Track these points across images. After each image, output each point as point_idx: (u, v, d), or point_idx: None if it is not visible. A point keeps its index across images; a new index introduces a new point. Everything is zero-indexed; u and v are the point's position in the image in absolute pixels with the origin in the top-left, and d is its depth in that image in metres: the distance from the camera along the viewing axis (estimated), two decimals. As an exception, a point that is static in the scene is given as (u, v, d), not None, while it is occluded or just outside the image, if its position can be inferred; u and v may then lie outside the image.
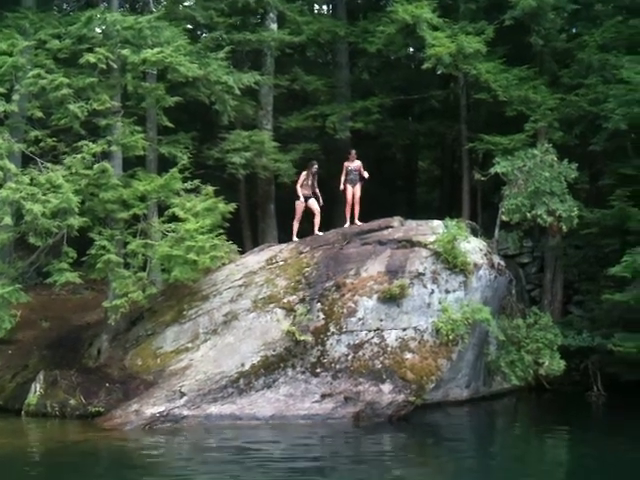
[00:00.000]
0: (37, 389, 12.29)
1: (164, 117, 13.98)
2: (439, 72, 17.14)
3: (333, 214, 16.28)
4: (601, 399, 13.71)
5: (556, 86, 15.96)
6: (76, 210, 12.15)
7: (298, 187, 14.43)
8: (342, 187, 14.55)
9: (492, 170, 14.30)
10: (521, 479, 9.24)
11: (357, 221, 14.23)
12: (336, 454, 10.50)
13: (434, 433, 12.01)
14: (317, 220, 14.35)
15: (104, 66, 13.05)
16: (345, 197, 14.52)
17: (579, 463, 10.22)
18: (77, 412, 11.98)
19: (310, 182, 14.42)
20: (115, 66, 13.23)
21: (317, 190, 14.51)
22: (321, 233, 14.12)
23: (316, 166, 14.56)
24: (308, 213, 14.58)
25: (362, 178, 14.35)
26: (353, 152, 14.58)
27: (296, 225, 14.39)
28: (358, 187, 14.32)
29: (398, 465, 10.08)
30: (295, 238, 14.28)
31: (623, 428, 11.80)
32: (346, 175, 14.46)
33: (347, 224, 14.29)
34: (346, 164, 14.47)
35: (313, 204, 14.43)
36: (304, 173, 14.50)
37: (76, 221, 12.18)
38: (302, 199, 14.32)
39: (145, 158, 14.38)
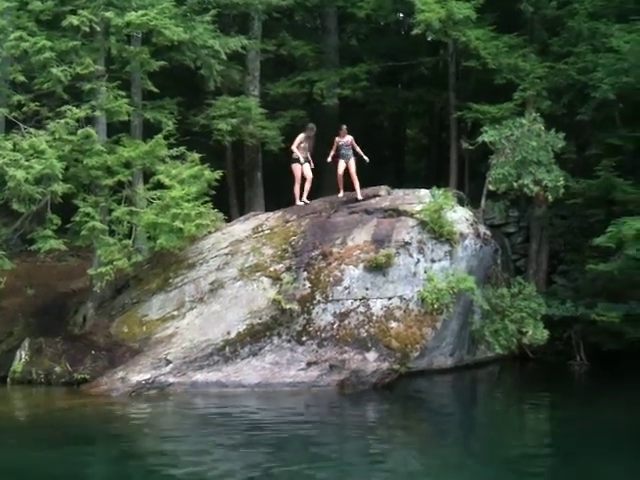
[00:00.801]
0: (22, 356, 12.28)
1: (149, 82, 13.79)
2: (429, 39, 16.98)
3: (321, 183, 16.19)
4: (583, 368, 13.89)
5: (546, 54, 15.83)
6: (60, 176, 12.01)
7: (294, 148, 14.03)
8: (330, 159, 14.05)
9: (480, 139, 14.23)
10: (503, 444, 9.37)
11: (359, 195, 13.65)
12: (321, 421, 10.61)
13: (418, 400, 12.17)
14: (307, 186, 14.05)
15: (87, 29, 12.81)
16: (336, 170, 13.96)
17: (559, 429, 10.38)
18: (63, 379, 12.00)
19: (306, 145, 14.07)
20: (99, 29, 12.97)
21: (309, 155, 14.14)
22: (308, 201, 14.00)
23: (314, 129, 14.21)
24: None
25: (356, 153, 13.93)
26: (344, 127, 14.01)
27: (297, 188, 13.99)
28: (352, 162, 13.79)
29: (382, 432, 10.21)
30: (299, 202, 13.93)
31: (604, 396, 11.99)
32: (337, 150, 13.92)
33: (341, 193, 13.92)
34: (337, 139, 13.99)
35: (307, 169, 14.09)
36: (301, 135, 14.11)
37: (60, 187, 12.05)
38: (302, 159, 13.93)
39: (130, 124, 14.18)
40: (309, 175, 14.10)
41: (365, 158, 13.84)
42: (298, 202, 13.98)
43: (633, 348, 13.74)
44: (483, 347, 13.92)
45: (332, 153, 13.95)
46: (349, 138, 13.93)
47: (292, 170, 14.09)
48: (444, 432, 10.15)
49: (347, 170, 13.85)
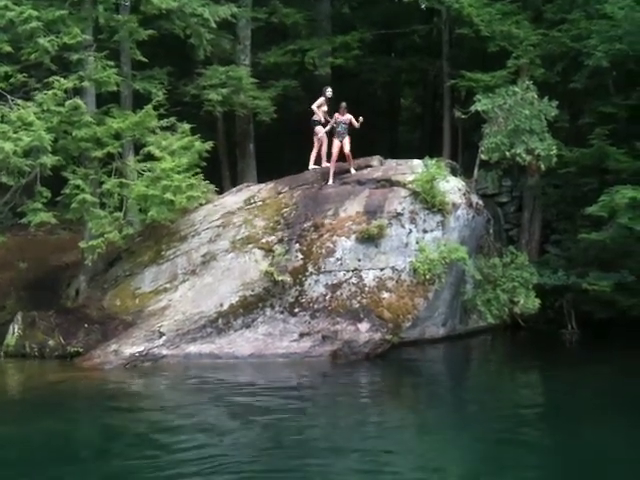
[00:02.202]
0: (15, 330, 12.30)
1: (137, 51, 13.61)
2: (422, 6, 16.77)
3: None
4: (575, 336, 13.98)
5: (539, 21, 15.65)
6: (49, 148, 11.92)
7: (314, 108, 13.73)
8: (318, 129, 13.68)
9: (472, 108, 14.11)
10: (494, 411, 9.46)
11: (353, 170, 13.45)
12: (314, 391, 10.69)
13: (410, 370, 12.24)
14: (324, 150, 13.78)
15: (74, -3, 12.63)
16: (330, 147, 13.59)
17: (549, 395, 10.52)
18: (56, 352, 12.05)
19: (325, 108, 13.78)
20: (86, -3, 12.78)
21: (354, 121, 13.64)
22: (327, 164, 13.69)
23: (330, 91, 13.86)
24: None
25: (351, 130, 13.49)
26: (344, 105, 13.49)
27: (315, 151, 13.78)
28: (347, 141, 13.36)
29: (374, 400, 10.30)
30: (325, 163, 13.71)
31: (594, 364, 12.09)
32: (334, 127, 13.50)
33: (330, 181, 13.40)
34: (336, 115, 13.52)
35: (321, 131, 13.77)
36: (321, 98, 13.81)
37: (49, 160, 11.95)
38: (322, 120, 13.67)
39: (120, 94, 14.04)
40: (325, 138, 13.79)
41: (356, 124, 13.41)
42: (325, 164, 13.73)
43: (624, 317, 13.84)
44: (475, 317, 13.98)
45: (328, 127, 13.59)
46: (348, 116, 13.47)
47: (315, 132, 13.75)
48: (437, 403, 10.23)
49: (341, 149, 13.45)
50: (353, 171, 13.49)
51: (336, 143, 13.44)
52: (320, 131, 13.76)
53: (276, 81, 17.46)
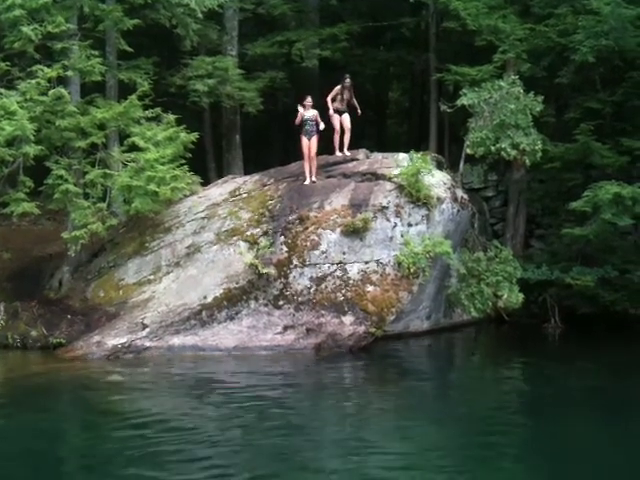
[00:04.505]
0: (-3, 320, 12.22)
1: (122, 41, 13.50)
2: (410, -1, 16.71)
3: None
4: (558, 331, 14.06)
5: (526, 16, 15.65)
6: (32, 138, 11.83)
7: (329, 100, 13.52)
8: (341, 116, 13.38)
9: (459, 102, 14.11)
10: (476, 404, 9.52)
11: (314, 177, 13.01)
12: (298, 383, 10.70)
13: (394, 363, 12.27)
14: (347, 137, 13.58)
15: (58, -14, 12.49)
16: (301, 149, 13.06)
17: (532, 389, 10.57)
18: (38, 344, 11.98)
19: (344, 96, 13.53)
20: (70, -14, 12.64)
21: (354, 102, 13.64)
22: (348, 153, 13.61)
23: (348, 80, 13.60)
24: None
25: (319, 130, 13.00)
26: (309, 98, 13.05)
27: (337, 138, 13.58)
28: (314, 140, 12.91)
29: (358, 393, 10.33)
30: (339, 153, 13.56)
31: (577, 358, 12.19)
32: (300, 125, 13.04)
33: (307, 180, 13.01)
34: (301, 112, 12.92)
35: (345, 120, 13.50)
36: (337, 88, 13.60)
37: (32, 149, 11.87)
38: (340, 109, 13.45)
39: (104, 84, 13.94)
40: (347, 125, 13.56)
41: (321, 125, 13.07)
42: (338, 153, 13.61)
43: (606, 311, 13.96)
44: (459, 310, 14.03)
45: (297, 123, 13.07)
46: (314, 112, 13.04)
47: (330, 121, 13.53)
48: (420, 396, 10.27)
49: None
50: (308, 181, 13.05)
51: (304, 142, 12.99)
52: (333, 119, 13.47)
53: (263, 72, 17.37)
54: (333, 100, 13.62)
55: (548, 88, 15.23)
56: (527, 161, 13.81)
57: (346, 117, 13.63)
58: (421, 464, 7.37)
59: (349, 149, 13.86)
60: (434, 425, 8.64)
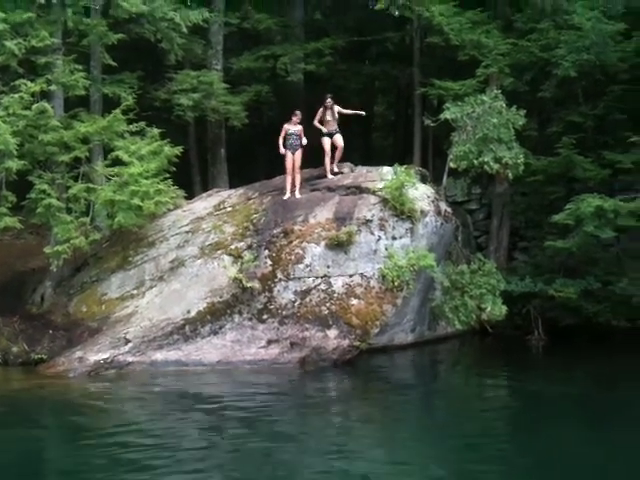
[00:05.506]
0: (-22, 336, 12.10)
1: (107, 55, 13.53)
2: (395, 13, 16.84)
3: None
4: (541, 342, 14.10)
5: (509, 31, 15.83)
6: (14, 152, 11.80)
7: (316, 123, 13.57)
8: (282, 151, 13.10)
9: (442, 116, 14.22)
10: (462, 416, 9.54)
11: (297, 193, 13.04)
12: (282, 397, 10.65)
13: (378, 376, 12.26)
14: (338, 154, 13.61)
15: (43, 0, 12.50)
16: (284, 164, 13.12)
17: (516, 401, 10.61)
18: (20, 360, 11.86)
19: (332, 116, 13.53)
20: (55, 0, 12.65)
21: (347, 112, 13.80)
22: (336, 168, 13.67)
23: (329, 100, 13.58)
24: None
25: (301, 145, 13.09)
26: (298, 113, 13.21)
27: (328, 160, 13.59)
28: (299, 154, 13.03)
29: (343, 407, 10.32)
30: (330, 175, 13.54)
31: (560, 370, 12.24)
32: (284, 139, 13.11)
33: (287, 195, 13.08)
34: (286, 126, 13.13)
35: (337, 139, 13.51)
36: (320, 110, 13.65)
37: (14, 164, 11.84)
38: (329, 131, 13.50)
39: (89, 99, 13.94)
40: (340, 144, 13.55)
41: (304, 141, 13.13)
42: (329, 176, 13.55)
43: (589, 323, 14.04)
44: (444, 323, 14.05)
45: (281, 141, 13.10)
46: (300, 127, 13.16)
47: (321, 144, 13.60)
48: (405, 408, 10.27)
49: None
50: (298, 193, 13.05)
51: (289, 156, 13.07)
52: (323, 142, 13.58)
53: (248, 86, 17.42)
54: (321, 122, 13.66)
55: (530, 102, 15.39)
56: (510, 175, 13.90)
57: (338, 138, 13.60)
58: (405, 475, 7.35)
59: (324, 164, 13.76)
60: (418, 437, 8.65)
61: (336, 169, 13.77)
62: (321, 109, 13.70)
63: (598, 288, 13.82)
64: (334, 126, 13.66)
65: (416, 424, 9.27)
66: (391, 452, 8.11)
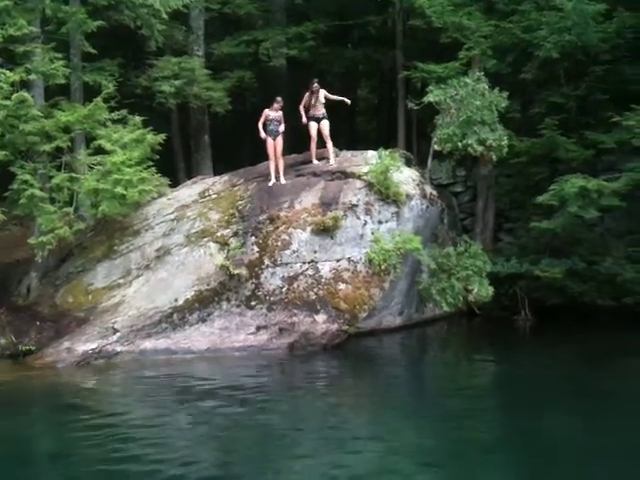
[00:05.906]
0: (-36, 329, 12.01)
1: (86, 43, 13.35)
2: (376, -3, 16.77)
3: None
4: (528, 322, 14.24)
5: (491, 13, 15.77)
6: (-5, 143, 11.64)
7: (301, 108, 13.30)
8: (263, 136, 12.98)
9: (425, 99, 14.20)
10: (451, 398, 9.60)
11: (282, 179, 12.98)
12: (272, 382, 10.71)
13: (367, 359, 12.34)
14: (330, 146, 13.33)
15: (20, -12, 12.32)
16: (266, 149, 13.03)
17: (503, 380, 10.74)
18: (7, 352, 11.79)
19: (318, 101, 13.25)
20: (32, -12, 12.47)
21: (334, 97, 13.53)
22: (335, 163, 13.36)
23: (316, 84, 13.30)
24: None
25: (280, 131, 12.96)
26: (280, 100, 13.03)
27: (313, 146, 13.38)
28: (280, 140, 12.92)
29: (332, 391, 10.32)
30: (315, 161, 13.38)
31: (547, 349, 12.37)
32: (265, 125, 12.99)
33: (272, 181, 12.98)
34: (267, 111, 13.01)
35: (324, 127, 13.25)
36: (306, 94, 13.36)
37: (-5, 155, 11.68)
38: (305, 120, 13.24)
39: (69, 87, 13.76)
40: (326, 133, 13.29)
41: (281, 128, 12.99)
42: (314, 161, 13.41)
43: (575, 302, 14.15)
44: (431, 305, 14.10)
45: (260, 126, 13.00)
46: (280, 113, 13.02)
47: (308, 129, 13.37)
48: (394, 390, 10.34)
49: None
50: (282, 179, 12.97)
51: (269, 142, 12.95)
52: (310, 127, 13.32)
53: (230, 72, 17.31)
54: (307, 108, 13.44)
55: (513, 84, 15.40)
56: (494, 156, 13.94)
57: (325, 124, 13.36)
58: (395, 457, 7.41)
59: (320, 147, 13.62)
60: (409, 419, 8.70)
61: (334, 163, 13.38)
62: (307, 94, 13.49)
63: (583, 268, 13.93)
64: (321, 110, 13.44)
65: (406, 407, 9.31)
66: (381, 436, 8.16)
